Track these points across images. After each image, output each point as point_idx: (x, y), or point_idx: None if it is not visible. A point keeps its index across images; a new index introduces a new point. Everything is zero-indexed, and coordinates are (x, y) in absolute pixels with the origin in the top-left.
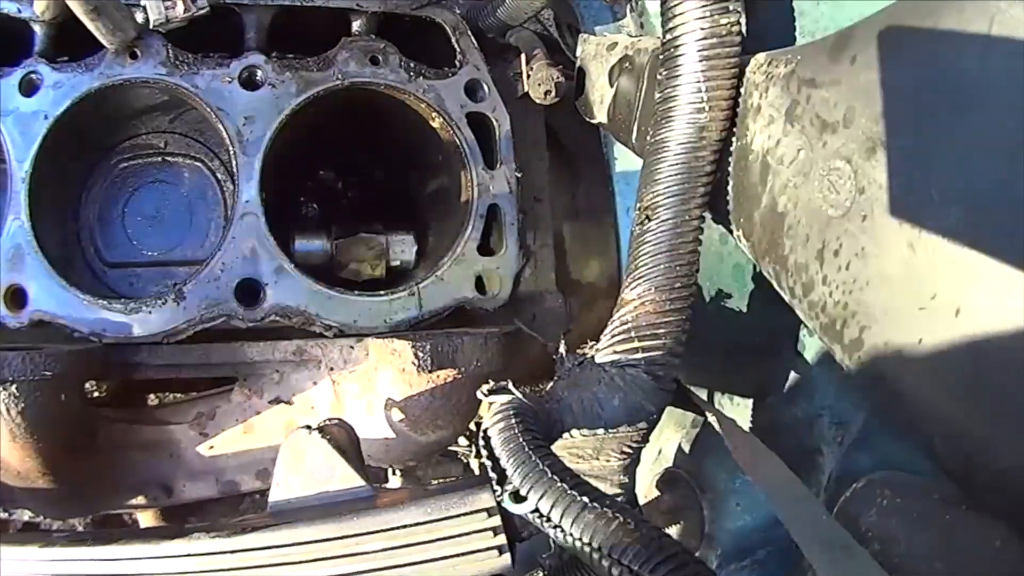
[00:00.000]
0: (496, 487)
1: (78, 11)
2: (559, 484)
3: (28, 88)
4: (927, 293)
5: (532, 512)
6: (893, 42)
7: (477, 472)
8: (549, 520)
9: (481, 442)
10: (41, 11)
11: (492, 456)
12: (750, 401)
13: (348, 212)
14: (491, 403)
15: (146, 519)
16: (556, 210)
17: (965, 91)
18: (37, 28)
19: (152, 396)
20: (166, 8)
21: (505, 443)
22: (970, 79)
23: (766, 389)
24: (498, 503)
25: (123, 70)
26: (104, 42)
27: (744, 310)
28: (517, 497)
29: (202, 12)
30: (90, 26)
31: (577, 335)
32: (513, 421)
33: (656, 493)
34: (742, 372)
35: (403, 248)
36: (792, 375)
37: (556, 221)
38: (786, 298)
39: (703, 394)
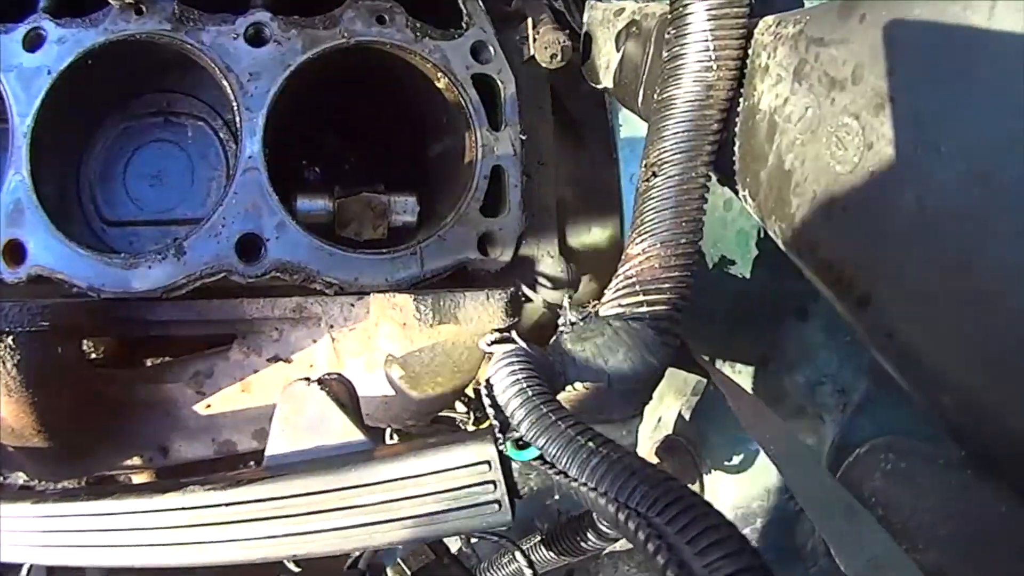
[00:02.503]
0: (499, 435)
1: None
2: (564, 429)
3: (32, 43)
4: (935, 249)
5: (536, 459)
6: (901, 1)
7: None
8: (553, 466)
9: (484, 390)
10: None
11: (495, 404)
12: (752, 368)
13: (351, 174)
14: (494, 352)
15: (140, 481)
16: (559, 175)
17: (971, 48)
18: None
19: (149, 357)
20: None
21: (508, 390)
22: (976, 36)
23: (769, 356)
24: (501, 451)
25: (127, 25)
26: None
27: (747, 277)
28: (521, 444)
29: None
30: None
31: (576, 301)
32: (517, 368)
33: (656, 460)
34: (745, 339)
35: (405, 208)
36: (794, 342)
37: (559, 186)
38: (792, 257)
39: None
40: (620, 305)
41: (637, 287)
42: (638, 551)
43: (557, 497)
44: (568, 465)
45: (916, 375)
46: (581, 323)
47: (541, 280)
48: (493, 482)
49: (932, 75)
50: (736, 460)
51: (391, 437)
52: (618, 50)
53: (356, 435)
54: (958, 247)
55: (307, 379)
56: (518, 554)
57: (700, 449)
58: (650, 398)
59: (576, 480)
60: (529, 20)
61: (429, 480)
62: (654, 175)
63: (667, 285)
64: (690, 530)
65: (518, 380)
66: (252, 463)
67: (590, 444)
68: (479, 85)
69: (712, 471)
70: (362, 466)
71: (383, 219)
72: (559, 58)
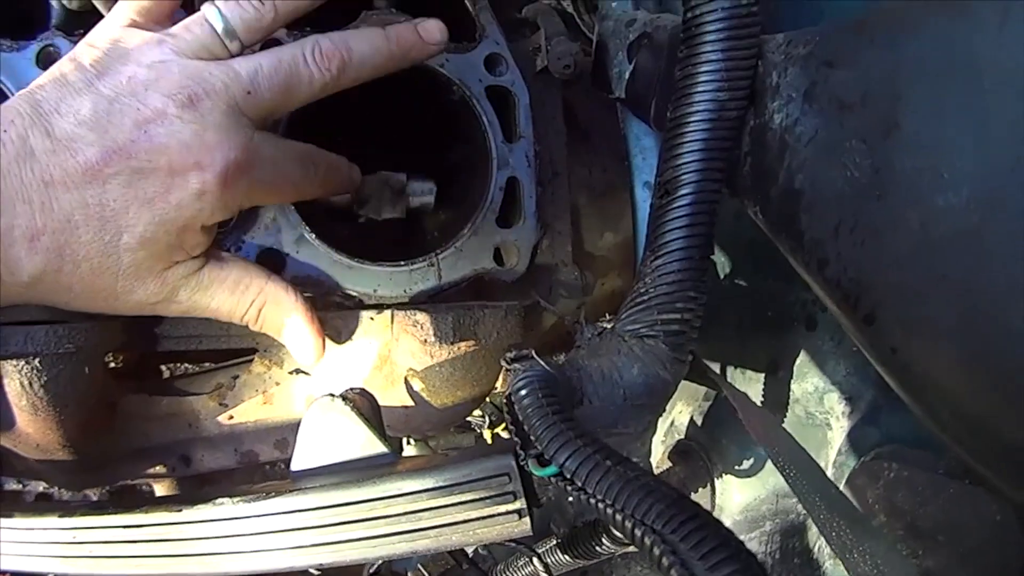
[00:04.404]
0: (520, 451)
1: None
2: (582, 447)
3: (45, 61)
4: (938, 271)
5: (555, 476)
6: (910, 24)
7: (490, 443)
8: (572, 483)
9: (504, 408)
10: None
11: (515, 421)
12: (762, 375)
13: None
14: (513, 370)
15: (162, 490)
16: (572, 184)
17: (979, 73)
18: (54, 1)
19: (170, 368)
20: None
21: (528, 408)
22: (985, 62)
23: (777, 364)
24: (521, 467)
25: None
26: None
27: (757, 286)
28: (540, 461)
29: None
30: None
31: (591, 308)
32: (536, 386)
33: (668, 464)
34: (755, 347)
35: (423, 190)
36: (803, 351)
37: (572, 195)
38: (801, 273)
39: (716, 368)
40: (635, 322)
41: (652, 304)
42: (653, 566)
43: (571, 501)
44: (586, 482)
45: (917, 390)
46: (597, 339)
47: (556, 288)
48: (513, 493)
49: (939, 101)
50: (746, 464)
51: (408, 443)
52: (630, 61)
53: (379, 448)
54: (960, 270)
55: (331, 395)
56: (535, 559)
57: (711, 453)
58: (663, 411)
59: (594, 497)
60: (542, 31)
61: (451, 492)
62: (667, 193)
63: (680, 303)
64: (702, 546)
65: (538, 399)
66: (280, 466)
67: (607, 462)
68: (493, 97)
69: (723, 475)
70: (386, 479)
71: (401, 197)
72: (572, 69)
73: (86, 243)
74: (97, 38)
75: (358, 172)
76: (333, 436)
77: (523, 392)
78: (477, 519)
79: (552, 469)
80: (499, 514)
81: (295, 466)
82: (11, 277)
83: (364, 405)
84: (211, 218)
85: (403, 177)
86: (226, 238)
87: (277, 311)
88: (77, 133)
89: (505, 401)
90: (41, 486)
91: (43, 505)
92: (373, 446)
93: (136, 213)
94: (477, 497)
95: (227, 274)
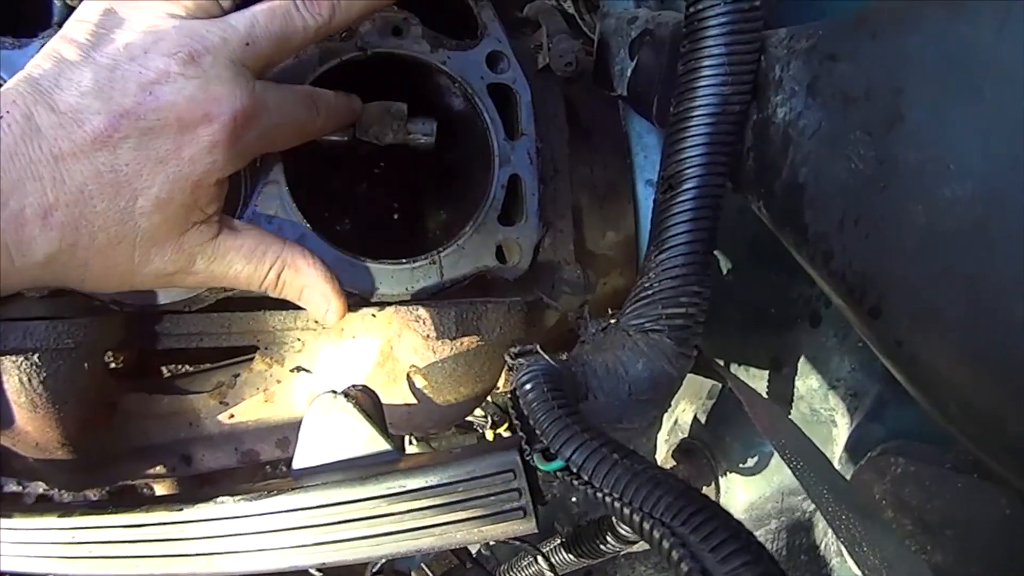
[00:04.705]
0: (525, 446)
1: None
2: (589, 441)
3: None
4: (943, 263)
5: (561, 470)
6: (909, 22)
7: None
8: (579, 477)
9: (510, 403)
10: None
11: (521, 416)
12: (765, 372)
13: (369, 187)
14: (518, 365)
15: (162, 491)
16: (574, 183)
17: (979, 73)
18: None
19: (170, 367)
20: None
21: (533, 402)
22: (984, 62)
23: (782, 360)
24: (526, 463)
25: None
26: None
27: (760, 282)
28: (546, 455)
29: None
30: None
31: (593, 307)
32: (541, 380)
33: (672, 463)
34: (758, 343)
35: (424, 127)
36: (808, 346)
37: (574, 193)
38: (806, 267)
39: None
40: (639, 316)
41: (656, 299)
42: (662, 559)
43: (575, 499)
44: (593, 476)
45: (924, 383)
46: (601, 334)
47: (559, 286)
48: (518, 490)
49: (940, 98)
50: (751, 463)
51: (411, 443)
52: (632, 58)
53: (382, 445)
54: (966, 262)
55: (333, 391)
56: (539, 558)
57: (716, 452)
58: (668, 406)
59: (601, 491)
60: (544, 29)
61: (455, 489)
62: (671, 187)
63: (685, 297)
64: (713, 539)
65: (543, 392)
66: (281, 466)
67: (614, 456)
68: (494, 94)
69: (727, 473)
70: (388, 476)
71: (402, 126)
72: (574, 67)
73: (102, 212)
74: (87, 12)
75: (358, 101)
76: (335, 433)
77: (528, 386)
78: (481, 516)
79: (558, 463)
80: (504, 511)
81: (297, 464)
82: (24, 259)
83: (366, 402)
84: (224, 170)
85: (404, 106)
86: None
87: (296, 275)
88: (82, 104)
89: (510, 396)
90: (41, 488)
91: (43, 506)
92: (376, 443)
93: (150, 174)
94: (481, 494)
95: (242, 242)
